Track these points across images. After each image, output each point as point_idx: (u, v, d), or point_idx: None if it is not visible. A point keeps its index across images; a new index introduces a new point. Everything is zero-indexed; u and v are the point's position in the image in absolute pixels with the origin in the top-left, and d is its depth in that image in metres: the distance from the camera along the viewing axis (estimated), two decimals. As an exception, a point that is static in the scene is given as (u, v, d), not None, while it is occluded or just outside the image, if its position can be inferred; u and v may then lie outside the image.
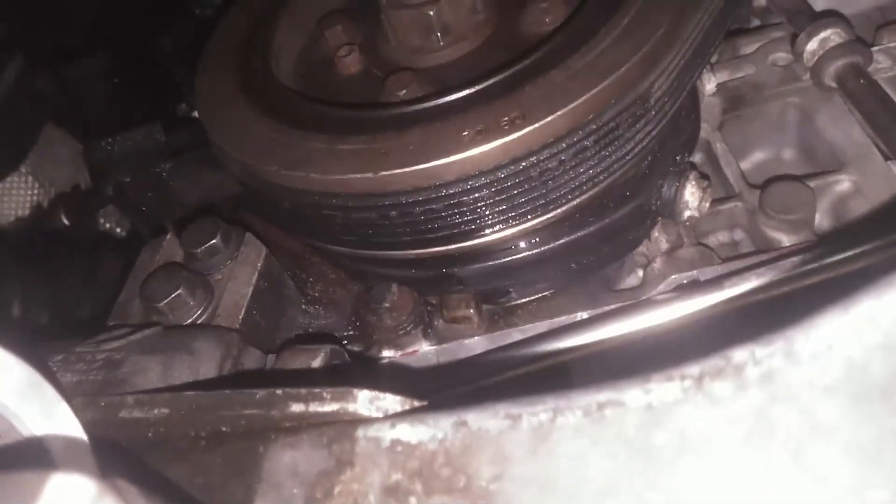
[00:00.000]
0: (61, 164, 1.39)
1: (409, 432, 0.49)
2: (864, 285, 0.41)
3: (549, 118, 0.74)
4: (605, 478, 0.41)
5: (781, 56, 1.12)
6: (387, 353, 0.94)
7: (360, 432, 0.51)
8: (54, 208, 1.35)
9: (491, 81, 0.81)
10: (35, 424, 0.46)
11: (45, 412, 0.46)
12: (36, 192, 1.36)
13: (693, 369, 0.43)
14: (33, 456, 0.42)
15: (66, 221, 1.33)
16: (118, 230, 1.39)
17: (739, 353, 0.42)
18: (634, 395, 0.43)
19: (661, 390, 0.43)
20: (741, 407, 0.40)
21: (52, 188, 1.37)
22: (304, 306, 0.96)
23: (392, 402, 0.54)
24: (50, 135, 1.39)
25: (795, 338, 0.41)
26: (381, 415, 0.53)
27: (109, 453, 0.45)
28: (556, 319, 0.94)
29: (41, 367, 0.48)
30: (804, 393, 0.39)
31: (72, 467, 0.37)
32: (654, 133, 0.83)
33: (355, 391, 0.54)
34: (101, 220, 1.39)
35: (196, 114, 1.30)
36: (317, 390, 0.55)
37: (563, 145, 0.76)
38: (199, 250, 0.87)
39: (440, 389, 0.77)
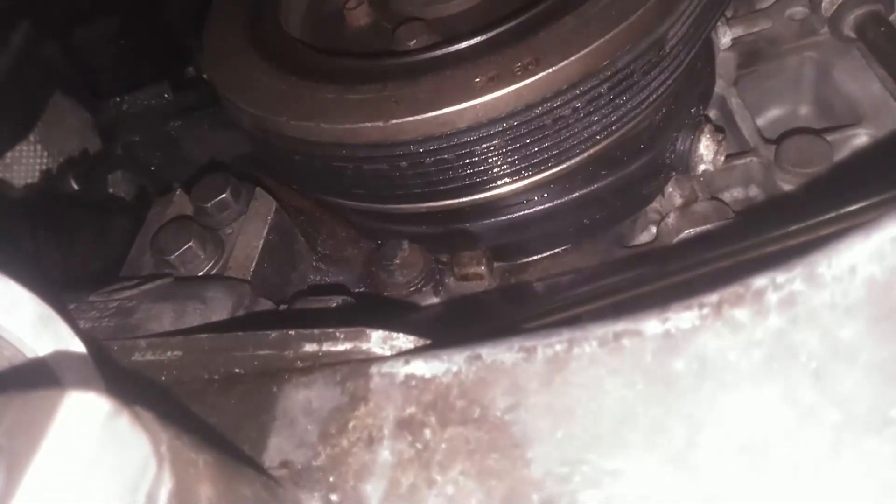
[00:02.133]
0: (70, 133, 1.38)
1: (422, 367, 0.49)
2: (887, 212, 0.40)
3: (562, 63, 0.73)
4: (624, 406, 0.41)
5: (798, 10, 1.10)
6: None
7: (374, 369, 0.51)
8: (63, 174, 1.35)
9: (503, 28, 0.80)
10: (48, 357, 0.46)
11: (59, 346, 0.46)
12: (45, 160, 1.36)
13: (712, 297, 0.42)
14: (43, 378, 0.42)
15: (75, 187, 1.33)
16: (126, 194, 1.39)
17: (759, 280, 0.41)
18: (651, 325, 0.43)
19: (679, 318, 0.42)
20: (761, 332, 0.39)
21: (62, 157, 1.37)
22: (314, 263, 0.96)
23: (405, 340, 0.54)
24: (58, 103, 1.38)
25: (817, 262, 0.40)
26: (394, 353, 0.53)
27: (125, 383, 0.45)
28: (568, 276, 0.93)
29: (54, 304, 0.48)
30: (826, 315, 0.38)
31: (84, 386, 0.36)
32: (669, 82, 0.82)
33: (368, 331, 0.54)
34: (110, 185, 1.39)
35: (205, 76, 1.29)
36: (330, 330, 0.55)
37: (577, 92, 0.75)
38: (209, 205, 0.87)
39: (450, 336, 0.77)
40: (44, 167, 1.35)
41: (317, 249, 0.99)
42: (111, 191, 1.39)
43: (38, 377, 0.41)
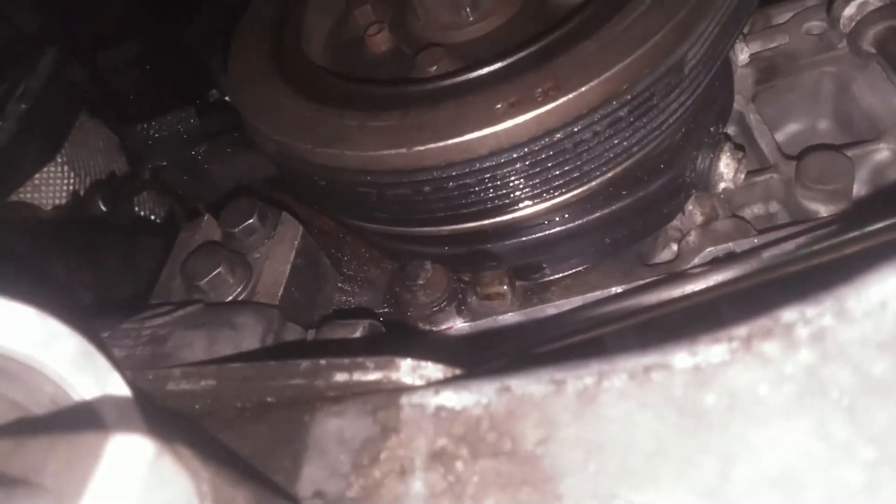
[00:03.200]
0: (96, 153, 1.41)
1: (453, 398, 0.49)
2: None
3: (583, 88, 0.73)
4: (654, 440, 0.41)
5: (815, 24, 1.10)
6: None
7: (405, 399, 0.51)
8: (91, 196, 1.37)
9: (523, 53, 0.81)
10: (88, 392, 0.47)
11: (98, 381, 0.48)
12: (72, 181, 1.38)
13: (741, 330, 0.42)
14: (87, 420, 0.43)
15: (103, 208, 1.35)
16: (154, 216, 1.41)
17: (788, 313, 0.41)
18: (681, 358, 0.43)
19: (709, 352, 0.42)
20: (791, 366, 0.40)
21: (88, 177, 1.39)
22: (339, 284, 0.97)
23: (434, 370, 0.54)
24: (84, 125, 1.41)
25: (847, 296, 0.40)
26: (423, 383, 0.54)
27: (163, 419, 0.46)
28: (591, 295, 0.94)
29: (93, 337, 0.49)
30: (857, 351, 0.38)
31: (128, 429, 0.37)
32: (688, 103, 0.82)
33: (397, 360, 0.55)
34: (137, 207, 1.41)
35: (228, 98, 1.32)
36: (360, 360, 0.56)
37: (598, 116, 0.75)
38: (237, 229, 0.88)
39: (478, 361, 0.78)
40: (71, 188, 1.38)
41: (341, 270, 1.00)
42: (139, 212, 1.41)
43: (82, 417, 0.42)
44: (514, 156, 0.77)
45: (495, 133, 0.75)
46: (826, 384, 0.38)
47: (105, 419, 0.41)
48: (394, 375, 0.54)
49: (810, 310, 0.41)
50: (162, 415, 0.51)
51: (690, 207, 0.97)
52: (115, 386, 0.47)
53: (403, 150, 0.77)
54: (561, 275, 0.97)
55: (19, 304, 0.46)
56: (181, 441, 0.41)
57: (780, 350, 0.41)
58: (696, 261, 0.92)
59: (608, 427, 0.43)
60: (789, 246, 0.81)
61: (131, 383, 0.49)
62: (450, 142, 0.75)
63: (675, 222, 0.98)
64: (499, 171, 0.78)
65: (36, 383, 0.46)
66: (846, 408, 0.37)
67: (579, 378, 0.46)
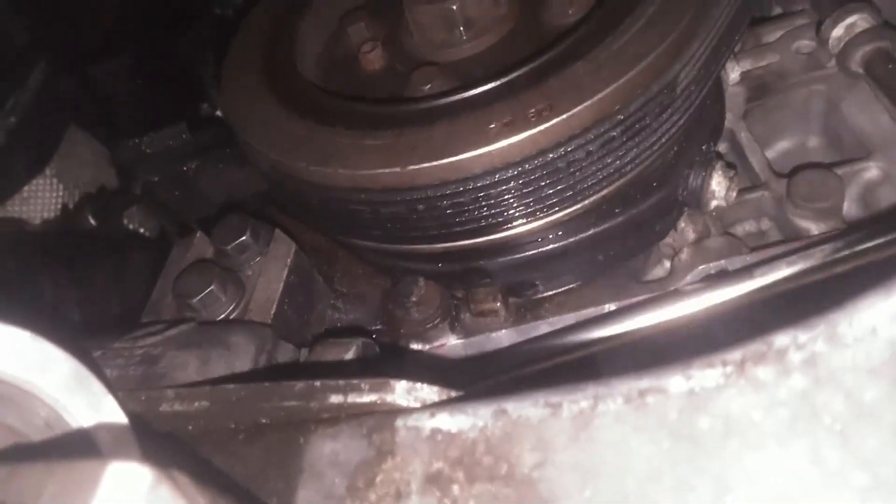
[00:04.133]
0: (85, 166, 1.40)
1: (448, 421, 0.49)
2: (905, 269, 0.41)
3: (576, 109, 0.74)
4: (649, 464, 0.41)
5: (805, 43, 1.11)
6: (414, 347, 0.94)
7: (400, 422, 0.51)
8: (80, 209, 1.36)
9: (517, 73, 0.81)
10: (83, 416, 0.47)
11: (92, 404, 0.47)
12: (61, 193, 1.38)
13: (734, 354, 0.43)
14: (83, 446, 0.43)
15: (93, 222, 1.34)
16: (144, 230, 1.41)
17: (781, 338, 0.42)
18: (676, 382, 0.43)
19: (703, 376, 0.43)
20: (785, 391, 0.40)
21: (77, 190, 1.39)
22: (332, 301, 0.97)
23: (429, 392, 0.55)
24: (73, 137, 1.40)
25: (838, 321, 0.41)
26: (418, 405, 0.54)
27: (157, 443, 0.46)
28: (583, 311, 0.94)
29: (87, 360, 0.49)
30: (849, 377, 0.39)
31: (124, 456, 0.37)
32: (680, 122, 0.83)
33: (392, 382, 0.55)
34: (126, 221, 1.41)
35: (219, 112, 1.32)
36: (354, 381, 0.56)
37: (591, 136, 0.76)
38: (229, 247, 0.88)
39: (472, 381, 0.78)
40: (60, 201, 1.37)
41: (334, 287, 1.00)
42: (128, 226, 1.41)
43: (78, 443, 0.42)
44: (508, 175, 0.77)
45: (489, 153, 0.75)
46: (819, 409, 0.39)
47: (101, 446, 0.41)
48: (388, 397, 0.54)
49: (802, 335, 0.42)
50: (157, 439, 0.51)
51: (683, 225, 0.97)
52: (110, 410, 0.47)
53: (397, 169, 0.77)
54: (554, 291, 0.97)
55: (13, 327, 0.46)
56: (178, 467, 0.41)
57: (774, 375, 0.41)
58: (689, 278, 0.93)
59: (604, 451, 0.43)
60: (781, 264, 0.82)
61: (126, 407, 0.49)
62: (444, 161, 0.76)
63: (668, 239, 0.98)
64: (492, 190, 0.78)
65: (30, 407, 0.46)
66: (839, 433, 0.38)
67: (575, 401, 0.46)
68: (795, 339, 0.41)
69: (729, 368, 0.42)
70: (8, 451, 0.42)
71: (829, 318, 0.41)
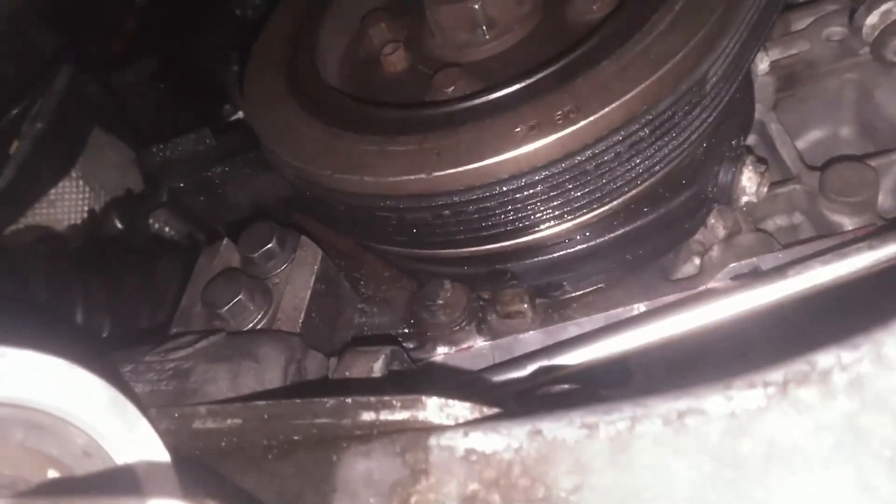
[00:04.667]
0: (111, 169, 1.41)
1: (482, 441, 0.49)
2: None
3: (604, 111, 0.73)
4: (691, 489, 0.40)
5: (836, 30, 1.08)
6: (441, 350, 0.94)
7: (433, 441, 0.51)
8: (107, 213, 1.38)
9: (541, 75, 0.80)
10: (120, 443, 0.47)
11: (128, 430, 0.48)
12: (87, 196, 1.39)
13: (776, 375, 0.42)
14: (123, 479, 0.43)
15: (119, 226, 1.36)
16: (170, 233, 1.42)
17: (824, 358, 0.41)
18: (716, 403, 0.42)
19: (744, 398, 0.42)
20: (830, 414, 0.39)
21: (103, 192, 1.40)
22: (359, 305, 0.97)
23: (462, 408, 0.54)
24: (98, 140, 1.42)
25: (884, 341, 0.39)
26: (451, 422, 0.53)
27: (189, 467, 0.46)
28: (612, 312, 0.93)
29: (119, 383, 0.49)
30: (897, 400, 0.38)
31: (163, 492, 0.37)
32: (710, 119, 0.81)
33: (424, 398, 0.54)
34: (153, 223, 1.42)
35: (241, 114, 1.32)
36: (386, 398, 0.55)
37: (619, 137, 0.75)
38: (256, 255, 0.88)
39: (500, 386, 0.77)
40: (87, 205, 1.39)
41: (360, 291, 1.00)
42: (155, 226, 1.42)
43: (117, 475, 0.42)
44: (535, 179, 0.76)
45: (515, 157, 0.74)
46: (866, 434, 0.38)
47: (141, 480, 0.41)
48: (421, 415, 0.54)
49: (847, 354, 0.40)
50: (191, 465, 0.51)
51: (713, 221, 0.96)
52: (146, 436, 0.47)
53: (423, 176, 0.76)
54: (582, 292, 0.96)
55: (49, 356, 0.46)
56: (212, 495, 0.41)
57: (818, 397, 0.40)
58: (720, 276, 0.91)
59: (643, 475, 0.42)
60: (815, 263, 0.80)
61: (159, 425, 0.49)
62: (470, 167, 0.75)
63: (698, 236, 0.96)
64: (519, 195, 0.78)
65: (68, 435, 0.46)
66: (888, 459, 0.37)
67: (612, 423, 0.45)
68: (840, 359, 0.40)
69: (771, 390, 0.41)
70: (51, 485, 0.42)
71: (874, 338, 0.40)
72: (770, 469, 0.39)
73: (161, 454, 0.44)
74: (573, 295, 0.96)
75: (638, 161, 0.79)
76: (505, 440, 0.48)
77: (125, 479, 0.42)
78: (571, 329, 0.94)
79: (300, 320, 0.83)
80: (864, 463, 0.37)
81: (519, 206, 0.79)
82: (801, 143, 1.09)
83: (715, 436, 0.41)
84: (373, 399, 0.56)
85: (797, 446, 0.39)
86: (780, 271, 0.81)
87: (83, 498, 0.36)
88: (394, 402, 0.55)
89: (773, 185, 0.97)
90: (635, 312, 0.91)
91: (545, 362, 0.81)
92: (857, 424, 0.38)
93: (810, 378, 0.41)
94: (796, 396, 0.40)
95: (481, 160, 0.75)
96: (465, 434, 0.50)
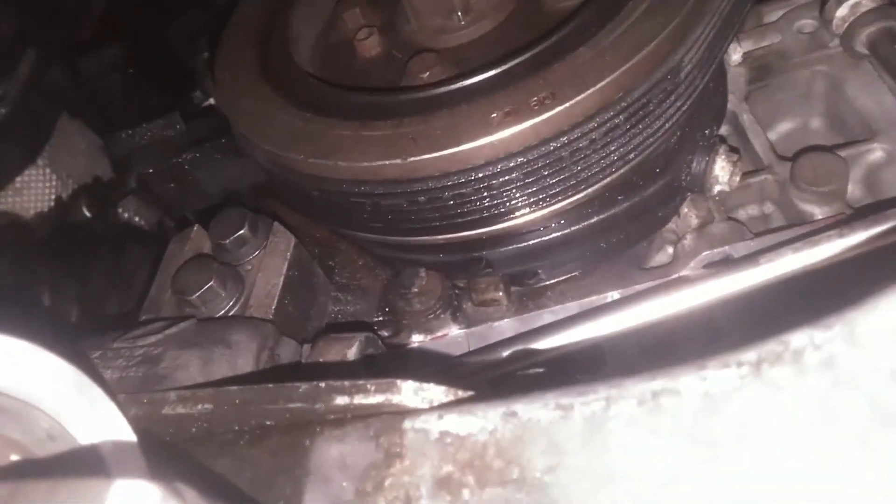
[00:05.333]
0: (78, 156, 1.38)
1: (457, 423, 0.49)
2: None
3: (579, 97, 0.73)
4: (666, 469, 0.41)
5: (807, 23, 1.09)
6: (416, 338, 0.94)
7: (408, 424, 0.51)
8: (75, 201, 1.35)
9: (517, 61, 0.80)
10: (85, 426, 0.46)
11: (95, 414, 0.46)
12: (55, 184, 1.36)
13: (750, 355, 0.42)
14: (88, 461, 0.42)
15: (87, 213, 1.33)
16: (139, 221, 1.39)
17: (798, 338, 0.41)
18: (690, 383, 0.42)
19: (718, 377, 0.42)
20: (803, 394, 0.39)
21: (71, 180, 1.37)
22: (333, 293, 0.96)
23: (437, 392, 0.54)
24: (65, 127, 1.38)
25: (856, 320, 0.40)
26: (426, 405, 0.53)
27: (158, 452, 0.45)
28: (586, 300, 0.93)
29: (86, 366, 0.48)
30: (869, 378, 0.38)
31: (130, 473, 0.37)
32: (684, 107, 0.82)
33: (399, 382, 0.54)
34: (122, 211, 1.39)
35: (213, 101, 1.30)
36: (360, 382, 0.55)
37: (594, 124, 0.75)
38: (227, 241, 0.87)
39: (475, 372, 0.77)
40: (54, 192, 1.35)
41: (334, 279, 0.99)
42: (124, 217, 1.39)
43: (83, 459, 0.41)
44: (510, 165, 0.76)
45: (491, 143, 0.74)
46: (839, 413, 0.38)
47: (106, 460, 0.40)
48: (395, 398, 0.53)
49: (819, 334, 0.41)
50: (161, 449, 0.50)
51: (686, 210, 0.96)
52: (112, 419, 0.46)
53: (398, 161, 0.76)
54: (556, 280, 0.96)
55: (13, 338, 0.45)
56: (183, 479, 0.40)
57: (791, 376, 0.40)
58: (692, 264, 0.92)
59: (617, 455, 0.42)
60: (787, 251, 0.81)
61: (128, 410, 0.48)
62: (445, 152, 0.74)
63: (671, 225, 0.97)
64: (494, 181, 0.77)
65: (32, 418, 0.45)
66: (861, 438, 0.37)
67: (586, 403, 0.45)
68: (812, 339, 0.40)
69: (744, 369, 0.41)
70: (12, 468, 0.41)
71: (846, 317, 0.40)
72: (744, 448, 0.40)
73: (129, 437, 0.43)
74: (548, 283, 0.96)
75: (613, 148, 0.79)
76: (480, 422, 0.47)
77: (90, 460, 0.41)
78: (546, 317, 0.94)
79: (273, 307, 0.82)
80: (838, 441, 0.38)
81: (494, 192, 0.79)
82: (773, 135, 1.10)
83: (689, 415, 0.42)
84: (347, 383, 0.55)
85: (771, 425, 0.40)
86: (751, 259, 0.82)
87: (46, 480, 0.35)
88: (368, 385, 0.55)
89: (745, 174, 0.98)
90: (609, 301, 0.91)
91: (520, 347, 0.80)
92: (829, 403, 0.39)
93: (783, 357, 0.41)
94: (770, 376, 0.41)
95: (457, 146, 0.74)
96: (440, 417, 0.50)
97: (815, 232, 0.83)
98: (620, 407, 0.44)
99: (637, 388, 0.44)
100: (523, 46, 0.81)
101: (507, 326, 0.94)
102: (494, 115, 0.74)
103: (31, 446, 0.44)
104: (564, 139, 0.75)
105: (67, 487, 0.36)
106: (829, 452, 0.37)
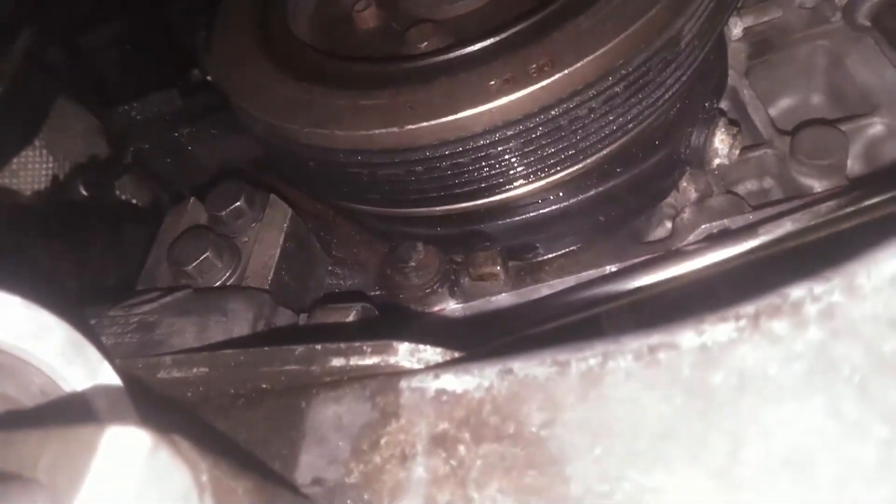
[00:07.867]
0: (75, 137, 1.38)
1: (453, 382, 0.48)
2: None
3: (578, 64, 0.72)
4: (662, 422, 0.40)
5: (809, -3, 1.09)
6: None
7: (404, 383, 0.50)
8: (72, 180, 1.34)
9: (517, 28, 0.79)
10: (78, 382, 0.46)
11: (88, 370, 0.46)
12: (52, 165, 1.36)
13: (748, 308, 0.42)
14: (79, 412, 0.41)
15: (84, 192, 1.32)
16: (136, 200, 1.39)
17: (796, 290, 0.41)
18: (687, 337, 0.42)
19: (715, 330, 0.42)
20: (801, 344, 0.39)
21: (68, 161, 1.37)
22: (330, 268, 0.96)
23: (433, 353, 0.54)
24: (62, 108, 1.38)
25: (856, 272, 0.39)
26: (422, 366, 0.53)
27: (156, 407, 0.45)
28: (584, 274, 0.93)
29: (82, 326, 0.48)
30: (868, 328, 0.38)
31: (121, 421, 0.36)
32: (684, 78, 0.81)
33: (395, 343, 0.54)
34: (118, 192, 1.39)
35: (209, 78, 1.29)
36: (356, 344, 0.55)
37: (593, 92, 0.74)
38: (224, 213, 0.86)
39: (476, 343, 0.77)
40: (51, 173, 1.35)
41: (331, 253, 0.99)
42: (121, 196, 1.39)
43: (74, 409, 0.41)
44: (509, 133, 0.75)
45: (489, 110, 0.73)
46: (837, 362, 0.38)
47: (98, 411, 0.40)
48: (392, 359, 0.53)
49: (818, 286, 0.40)
50: (156, 404, 0.50)
51: (685, 184, 0.96)
52: (106, 375, 0.46)
53: (395, 129, 0.75)
54: (554, 254, 0.96)
55: (6, 294, 0.44)
56: (178, 431, 0.40)
57: (789, 328, 0.40)
58: (691, 238, 0.92)
59: (614, 409, 0.42)
60: (786, 222, 0.80)
61: (123, 372, 0.48)
62: (443, 120, 0.74)
63: (670, 199, 0.97)
64: (493, 150, 0.77)
65: (25, 374, 0.44)
66: (858, 385, 0.37)
67: (583, 359, 0.45)
68: (811, 290, 0.40)
69: (742, 322, 0.41)
70: (3, 419, 0.41)
71: (845, 269, 0.40)
72: (741, 400, 0.39)
73: (121, 391, 0.43)
74: (546, 257, 0.96)
75: (612, 118, 0.78)
76: (476, 380, 0.47)
77: (82, 411, 0.41)
78: (544, 291, 0.94)
79: (269, 278, 0.82)
80: (835, 390, 0.37)
81: (493, 161, 0.78)
82: (773, 110, 1.09)
83: (686, 368, 0.41)
84: (342, 345, 0.55)
85: (768, 376, 0.39)
86: (750, 229, 0.81)
87: (36, 429, 0.35)
88: (364, 347, 0.54)
89: (744, 149, 0.97)
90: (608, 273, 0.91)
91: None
92: (828, 353, 0.38)
93: (782, 310, 0.41)
94: (768, 328, 0.40)
95: (455, 113, 0.73)
96: (436, 376, 0.49)
97: (813, 203, 0.82)
98: (618, 362, 0.43)
99: (634, 344, 0.44)
100: (522, 14, 0.80)
101: (504, 301, 0.94)
102: (493, 82, 0.74)
103: (25, 401, 0.44)
104: (563, 107, 0.74)
105: (60, 436, 0.36)
106: (827, 400, 0.37)
